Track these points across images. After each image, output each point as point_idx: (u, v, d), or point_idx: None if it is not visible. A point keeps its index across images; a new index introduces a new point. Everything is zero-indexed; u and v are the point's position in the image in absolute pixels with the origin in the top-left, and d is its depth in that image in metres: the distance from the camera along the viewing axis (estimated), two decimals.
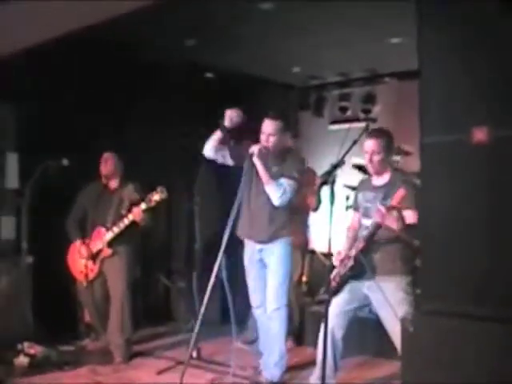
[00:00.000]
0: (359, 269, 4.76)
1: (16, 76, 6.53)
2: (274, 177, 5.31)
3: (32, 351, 5.91)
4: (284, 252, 5.42)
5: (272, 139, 5.29)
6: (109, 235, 6.27)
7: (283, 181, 5.27)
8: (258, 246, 5.49)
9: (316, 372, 4.91)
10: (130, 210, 6.20)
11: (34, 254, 6.47)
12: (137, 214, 6.11)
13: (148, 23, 6.41)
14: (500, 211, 3.63)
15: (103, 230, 6.33)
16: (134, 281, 6.54)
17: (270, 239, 5.40)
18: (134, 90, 7.44)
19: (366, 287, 4.78)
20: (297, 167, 5.40)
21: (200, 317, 4.94)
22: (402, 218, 4.56)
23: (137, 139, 7.35)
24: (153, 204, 6.03)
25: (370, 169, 4.91)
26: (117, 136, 7.14)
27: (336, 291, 4.85)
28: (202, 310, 4.96)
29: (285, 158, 5.44)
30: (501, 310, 3.58)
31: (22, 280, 6.39)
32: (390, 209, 4.53)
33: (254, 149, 5.17)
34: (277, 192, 5.24)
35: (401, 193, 4.49)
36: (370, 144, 4.82)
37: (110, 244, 6.30)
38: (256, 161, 5.20)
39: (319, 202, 6.69)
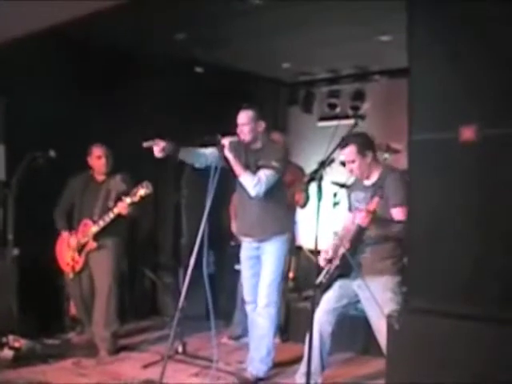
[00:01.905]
0: (347, 268, 4.79)
1: (3, 68, 6.49)
2: (254, 168, 5.34)
3: (17, 344, 5.89)
4: (280, 250, 5.44)
5: (246, 128, 5.37)
6: (94, 228, 6.26)
7: (259, 172, 5.29)
8: (255, 244, 5.51)
9: (301, 369, 4.92)
10: (116, 203, 6.19)
11: (20, 246, 6.43)
12: (122, 207, 6.11)
13: (137, 17, 6.38)
14: (488, 209, 3.64)
15: (90, 222, 6.31)
16: (120, 274, 6.54)
17: (266, 237, 5.42)
18: (122, 83, 7.40)
19: (356, 285, 4.81)
20: (276, 157, 5.38)
21: (178, 312, 4.92)
22: (380, 223, 4.64)
23: (125, 132, 7.32)
24: (137, 199, 6.03)
25: (354, 176, 4.99)
26: (104, 128, 7.11)
27: (325, 289, 4.88)
28: (180, 305, 4.94)
29: (264, 149, 5.45)
30: (488, 308, 3.59)
31: (8, 272, 6.36)
32: (368, 212, 4.58)
33: (225, 142, 5.18)
34: (251, 182, 5.26)
35: (376, 200, 4.57)
36: (343, 156, 4.87)
37: (96, 237, 6.28)
38: (227, 154, 5.20)
39: (307, 198, 6.69)
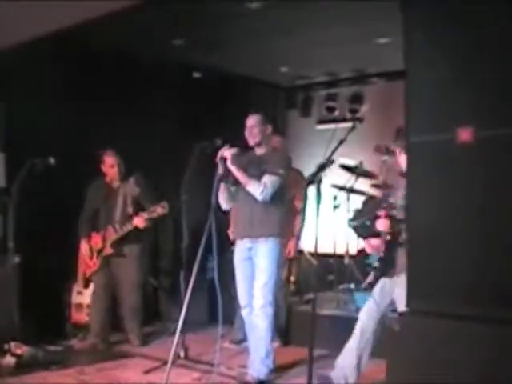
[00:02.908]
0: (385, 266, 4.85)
1: (3, 75, 6.51)
2: (260, 175, 5.38)
3: (19, 351, 5.88)
4: (272, 250, 5.44)
5: (255, 130, 5.51)
6: (114, 236, 6.65)
7: (264, 178, 5.35)
8: (248, 245, 5.53)
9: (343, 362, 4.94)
10: (134, 214, 6.59)
11: (21, 254, 6.44)
12: (139, 222, 6.52)
13: (136, 23, 6.40)
14: (487, 210, 3.64)
15: (111, 228, 6.72)
16: (144, 275, 7.12)
17: (260, 236, 5.44)
18: (121, 88, 7.43)
19: (393, 282, 4.84)
20: (281, 164, 5.49)
21: (182, 317, 4.94)
22: None
23: (125, 138, 7.34)
24: (154, 216, 6.45)
25: None
26: (103, 133, 7.15)
27: (371, 285, 4.94)
28: (184, 309, 4.97)
29: (269, 156, 5.54)
30: (489, 309, 3.59)
31: (9, 279, 6.36)
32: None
33: (226, 154, 5.28)
34: (258, 189, 5.36)
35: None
36: None
37: (115, 244, 6.69)
38: (231, 166, 5.30)
39: (305, 201, 6.67)
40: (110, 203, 6.77)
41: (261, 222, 5.45)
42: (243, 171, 5.38)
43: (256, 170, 5.45)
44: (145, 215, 6.46)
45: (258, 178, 5.40)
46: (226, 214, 5.81)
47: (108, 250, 6.69)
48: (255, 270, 5.51)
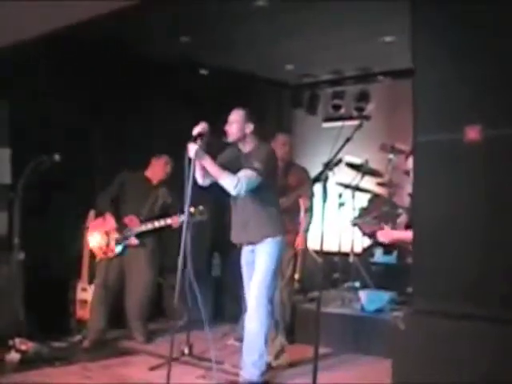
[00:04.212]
0: None
1: (8, 72, 6.52)
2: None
3: (23, 347, 5.89)
4: (269, 251, 5.36)
5: (234, 126, 5.36)
6: (141, 228, 6.71)
7: (240, 172, 5.18)
8: (250, 247, 5.49)
9: None
10: (169, 213, 6.69)
11: (26, 250, 6.45)
12: (174, 222, 6.61)
13: (142, 20, 6.40)
14: (493, 210, 3.64)
15: (137, 220, 6.73)
16: (156, 272, 7.07)
17: (258, 240, 5.39)
18: (126, 85, 7.43)
19: None
20: (260, 158, 5.27)
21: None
22: None
23: (130, 135, 7.35)
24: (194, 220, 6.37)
25: None
26: (110, 132, 7.16)
27: None
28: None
29: (252, 153, 5.39)
30: (492, 308, 3.59)
31: (14, 276, 6.37)
32: None
33: (191, 152, 5.04)
34: (231, 183, 5.12)
35: None
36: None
37: (138, 236, 6.73)
38: (201, 162, 5.13)
39: (311, 199, 6.66)
40: (141, 197, 6.84)
41: (254, 225, 5.35)
42: (220, 166, 5.19)
43: (239, 167, 5.26)
44: (182, 217, 6.27)
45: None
46: (204, 189, 5.52)
47: (134, 241, 6.72)
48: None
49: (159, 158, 6.94)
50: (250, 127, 5.38)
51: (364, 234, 7.53)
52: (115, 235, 6.72)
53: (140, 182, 6.93)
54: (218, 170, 5.15)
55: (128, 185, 6.89)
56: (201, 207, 6.33)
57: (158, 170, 6.95)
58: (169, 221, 6.61)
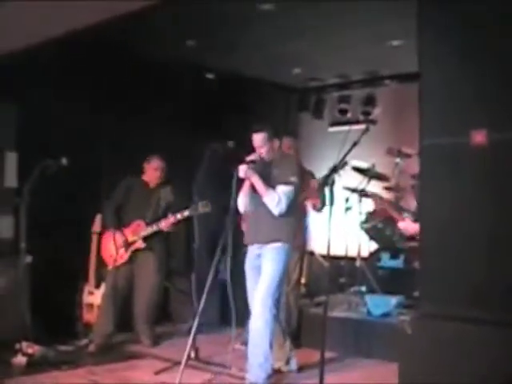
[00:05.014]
0: None
1: (16, 76, 6.54)
2: (274, 181, 5.40)
3: (30, 351, 5.90)
4: (276, 256, 5.39)
5: (263, 150, 5.49)
6: (147, 230, 6.74)
7: (278, 189, 5.36)
8: (257, 251, 5.51)
9: None
10: (174, 212, 6.65)
11: (33, 254, 6.46)
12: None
13: (149, 24, 6.41)
14: (499, 214, 3.64)
15: (143, 223, 6.77)
16: (164, 275, 7.12)
17: (267, 241, 5.41)
18: (133, 89, 7.45)
19: None
20: (292, 171, 5.47)
21: (197, 318, 4.95)
22: None
23: (136, 138, 7.37)
24: (196, 214, 6.44)
25: None
26: (116, 134, 7.18)
27: None
28: (199, 310, 4.98)
29: (277, 160, 5.54)
30: (499, 313, 3.59)
31: (21, 280, 6.38)
32: None
33: (241, 172, 5.34)
34: (272, 202, 5.35)
35: None
36: None
37: (145, 239, 6.77)
38: (252, 175, 5.36)
39: (323, 202, 6.65)
40: (142, 202, 6.88)
41: (269, 227, 5.42)
42: (262, 180, 5.38)
43: (264, 175, 5.43)
44: (185, 213, 6.52)
45: (270, 184, 5.40)
46: (238, 216, 5.78)
47: (140, 244, 6.76)
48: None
49: (149, 163, 6.97)
50: (276, 143, 5.58)
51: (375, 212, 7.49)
52: (121, 242, 6.77)
53: (141, 186, 6.99)
54: (264, 188, 5.37)
55: (132, 190, 6.95)
56: (206, 202, 6.36)
57: (150, 174, 6.98)
58: (178, 216, 6.62)
